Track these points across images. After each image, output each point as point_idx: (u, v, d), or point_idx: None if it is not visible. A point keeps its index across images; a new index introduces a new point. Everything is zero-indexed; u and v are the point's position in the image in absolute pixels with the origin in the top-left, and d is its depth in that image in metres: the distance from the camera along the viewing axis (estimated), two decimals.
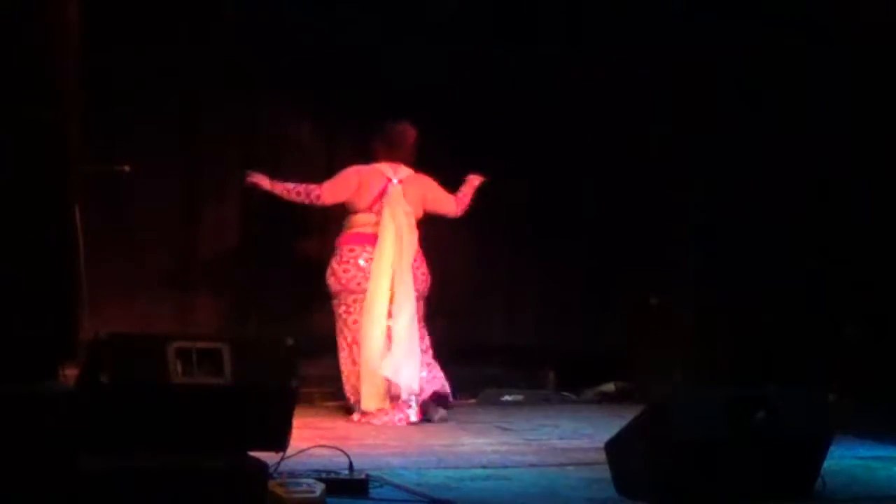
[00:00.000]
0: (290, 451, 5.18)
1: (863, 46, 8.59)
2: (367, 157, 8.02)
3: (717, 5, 8.80)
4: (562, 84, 9.12)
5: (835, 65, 8.70)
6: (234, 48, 8.62)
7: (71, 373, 5.09)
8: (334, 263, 7.92)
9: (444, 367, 7.97)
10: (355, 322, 7.85)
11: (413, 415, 7.77)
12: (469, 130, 8.79)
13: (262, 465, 4.91)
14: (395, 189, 7.91)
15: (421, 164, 8.09)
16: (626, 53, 9.05)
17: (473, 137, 8.77)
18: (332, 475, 5.43)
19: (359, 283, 7.83)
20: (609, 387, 9.18)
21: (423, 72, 8.78)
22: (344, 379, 7.93)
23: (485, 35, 9.03)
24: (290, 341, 5.17)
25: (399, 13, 8.82)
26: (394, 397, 7.77)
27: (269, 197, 7.97)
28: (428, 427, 7.63)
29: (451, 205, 8.14)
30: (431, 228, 8.16)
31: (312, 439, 6.09)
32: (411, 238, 7.90)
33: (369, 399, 7.76)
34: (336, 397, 8.20)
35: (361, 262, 7.85)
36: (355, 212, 7.93)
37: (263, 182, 7.90)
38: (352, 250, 7.90)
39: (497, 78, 9.04)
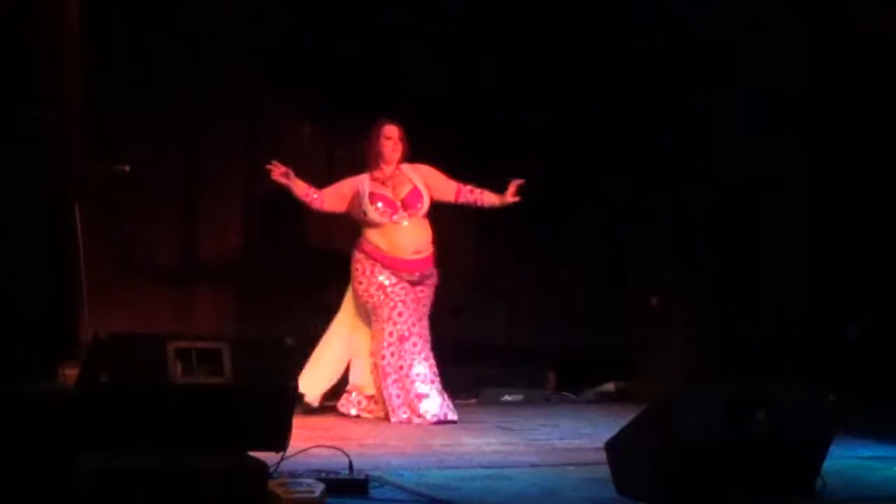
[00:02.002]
0: (290, 451, 5.18)
1: (862, 51, 8.61)
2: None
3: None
4: (564, 87, 9.11)
5: (834, 61, 8.71)
6: (234, 48, 8.62)
7: (71, 373, 5.10)
8: None
9: (442, 367, 7.99)
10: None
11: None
12: (470, 132, 8.78)
13: (262, 465, 4.91)
14: None
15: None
16: (627, 57, 9.04)
17: (475, 139, 8.76)
18: (332, 475, 5.43)
19: None
20: (609, 387, 9.17)
21: (424, 73, 8.78)
22: None
23: (487, 37, 9.02)
24: (289, 341, 5.18)
25: (399, 14, 8.81)
26: None
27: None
28: (428, 427, 7.62)
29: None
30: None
31: (312, 439, 6.09)
32: None
33: None
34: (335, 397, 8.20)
35: None
36: None
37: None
38: None
39: (499, 81, 9.03)
